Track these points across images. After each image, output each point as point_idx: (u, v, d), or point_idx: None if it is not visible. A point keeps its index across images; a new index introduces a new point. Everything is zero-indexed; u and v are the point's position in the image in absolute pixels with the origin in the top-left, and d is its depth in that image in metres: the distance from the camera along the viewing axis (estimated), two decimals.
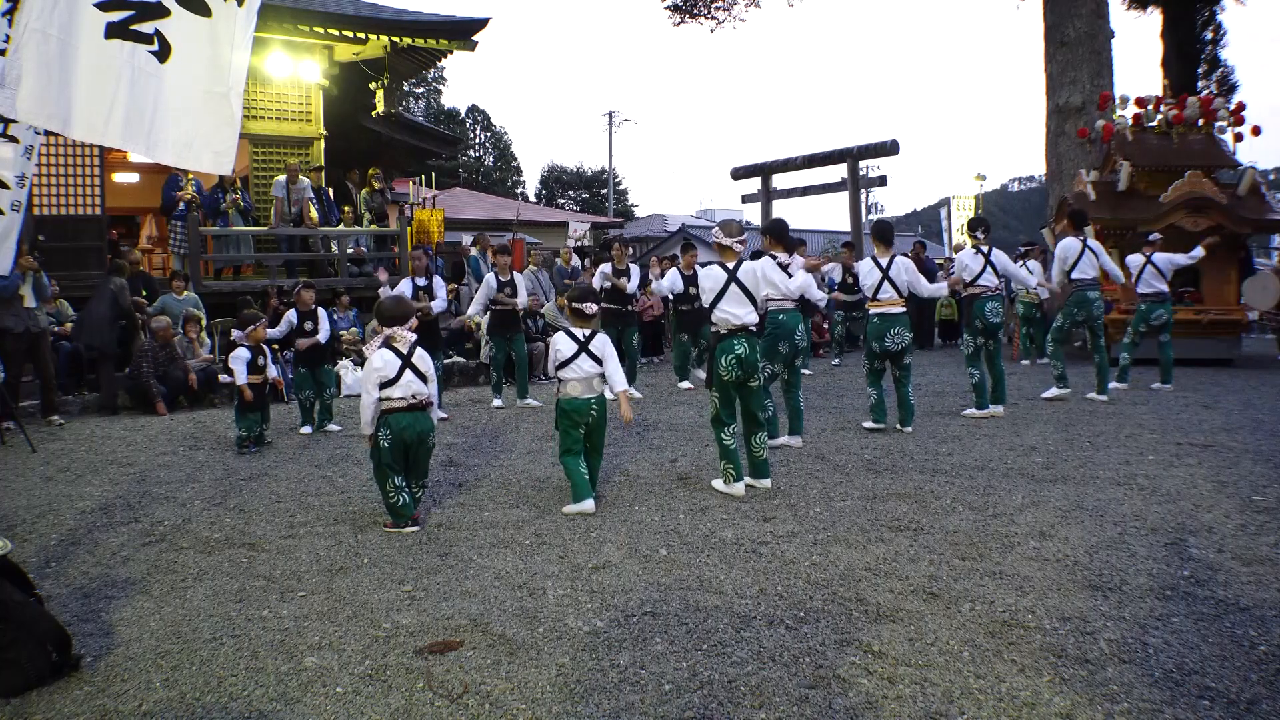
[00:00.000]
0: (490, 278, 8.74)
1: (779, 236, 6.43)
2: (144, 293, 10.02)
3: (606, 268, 9.41)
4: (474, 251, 13.53)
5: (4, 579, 3.02)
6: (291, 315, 7.73)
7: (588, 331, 5.00)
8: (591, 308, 5.03)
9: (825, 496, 5.09)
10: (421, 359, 4.73)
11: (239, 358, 6.97)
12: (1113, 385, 8.59)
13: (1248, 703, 2.64)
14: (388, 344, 4.64)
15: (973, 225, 7.78)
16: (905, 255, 7.50)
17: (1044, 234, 13.98)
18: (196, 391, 9.31)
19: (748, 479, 5.32)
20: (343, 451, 6.84)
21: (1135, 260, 9.04)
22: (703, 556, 4.07)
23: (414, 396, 4.63)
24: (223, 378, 9.62)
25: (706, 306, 5.31)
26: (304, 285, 8.00)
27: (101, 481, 5.95)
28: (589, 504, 4.86)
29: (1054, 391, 8.33)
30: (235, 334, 7.24)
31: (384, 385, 4.58)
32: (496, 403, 8.84)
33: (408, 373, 4.61)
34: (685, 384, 9.96)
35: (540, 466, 6.09)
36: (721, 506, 4.93)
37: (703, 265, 5.94)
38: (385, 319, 4.73)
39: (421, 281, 8.23)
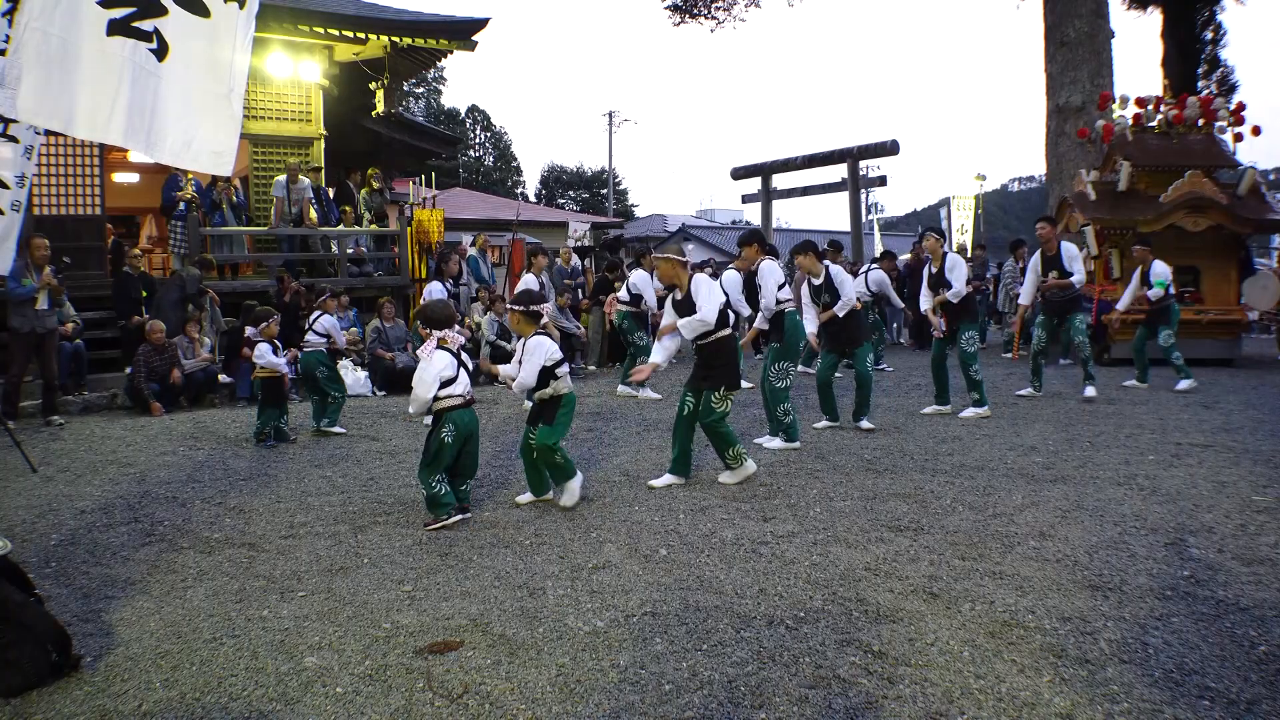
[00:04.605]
0: (530, 279, 9.16)
1: (765, 247, 6.70)
2: (144, 293, 10.02)
3: (648, 276, 9.35)
4: (473, 251, 13.52)
5: (4, 579, 3.01)
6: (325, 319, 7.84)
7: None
8: (549, 308, 5.28)
9: (825, 496, 5.09)
10: (470, 359, 5.04)
11: (263, 351, 7.14)
12: (1183, 384, 8.93)
13: (1248, 703, 2.64)
14: (441, 346, 4.80)
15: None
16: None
17: None
18: (197, 391, 9.31)
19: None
20: (343, 451, 6.84)
21: (1166, 267, 9.15)
22: (703, 556, 4.07)
23: (468, 393, 4.87)
24: (223, 378, 9.62)
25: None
26: (330, 295, 8.09)
27: (101, 481, 5.95)
28: (580, 477, 5.09)
29: (1092, 391, 8.36)
30: (250, 331, 7.31)
31: (444, 384, 4.76)
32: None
33: (463, 371, 4.85)
34: (748, 384, 9.86)
35: None
36: (721, 506, 4.93)
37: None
38: (433, 322, 4.86)
39: (451, 286, 8.54)
